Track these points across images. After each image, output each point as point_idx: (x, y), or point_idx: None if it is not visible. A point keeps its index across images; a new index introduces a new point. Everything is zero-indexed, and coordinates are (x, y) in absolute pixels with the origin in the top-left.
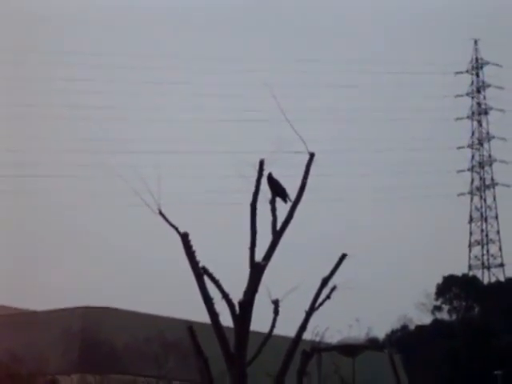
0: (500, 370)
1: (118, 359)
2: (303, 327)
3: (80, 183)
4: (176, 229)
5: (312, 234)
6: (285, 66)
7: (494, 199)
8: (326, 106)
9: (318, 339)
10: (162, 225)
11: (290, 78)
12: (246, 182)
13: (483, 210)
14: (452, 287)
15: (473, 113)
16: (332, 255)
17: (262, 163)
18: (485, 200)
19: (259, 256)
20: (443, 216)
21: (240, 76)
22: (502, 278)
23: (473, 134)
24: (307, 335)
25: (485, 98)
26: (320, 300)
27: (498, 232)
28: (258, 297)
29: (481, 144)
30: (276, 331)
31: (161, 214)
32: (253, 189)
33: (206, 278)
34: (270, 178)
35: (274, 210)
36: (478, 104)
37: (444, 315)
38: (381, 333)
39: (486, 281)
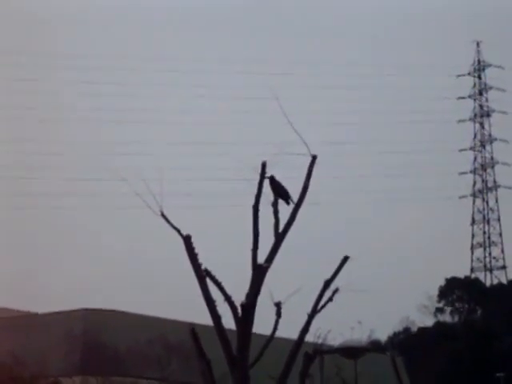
0: (502, 373)
1: (120, 361)
2: (305, 330)
3: (81, 185)
4: (178, 231)
5: (314, 236)
6: (286, 67)
7: (497, 201)
8: (327, 108)
9: (320, 341)
10: (164, 227)
11: (292, 80)
12: (248, 185)
13: (485, 212)
14: (454, 289)
15: (475, 115)
16: (334, 257)
17: (264, 165)
18: (487, 202)
19: (261, 258)
20: (445, 218)
21: (242, 78)
22: (504, 281)
23: (475, 136)
24: (309, 337)
25: (487, 100)
26: (322, 302)
27: (501, 234)
28: (260, 299)
29: (483, 146)
30: (278, 333)
31: (163, 215)
32: (255, 191)
33: (208, 280)
34: (273, 180)
35: (276, 212)
36: (481, 106)
37: (446, 317)
38: (383, 335)
39: (488, 283)
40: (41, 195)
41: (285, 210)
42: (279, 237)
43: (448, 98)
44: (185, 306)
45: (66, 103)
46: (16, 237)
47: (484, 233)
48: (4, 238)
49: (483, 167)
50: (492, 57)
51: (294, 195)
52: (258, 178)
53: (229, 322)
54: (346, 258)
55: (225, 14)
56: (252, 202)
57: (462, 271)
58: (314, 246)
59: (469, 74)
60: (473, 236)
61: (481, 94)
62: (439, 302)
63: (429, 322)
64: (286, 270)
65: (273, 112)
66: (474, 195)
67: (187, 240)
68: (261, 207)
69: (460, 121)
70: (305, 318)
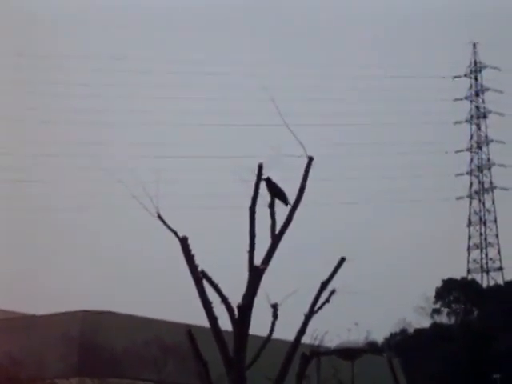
0: (499, 374)
1: (116, 363)
2: (302, 331)
3: (79, 187)
4: (175, 233)
5: (311, 237)
6: (283, 69)
7: (493, 203)
8: (324, 109)
9: (317, 343)
10: (161, 229)
11: (289, 81)
12: (244, 186)
13: (482, 213)
14: (451, 291)
15: (471, 116)
16: (331, 259)
17: (260, 167)
18: (483, 203)
19: (258, 260)
20: (442, 219)
21: (238, 79)
22: (500, 282)
23: (471, 137)
24: (306, 339)
25: (483, 101)
26: (319, 304)
27: (497, 235)
28: (256, 300)
29: (479, 147)
30: (275, 335)
31: (159, 217)
32: (251, 193)
33: (204, 281)
34: (270, 182)
35: (272, 213)
36: (477, 108)
37: (443, 319)
38: (380, 336)
39: (484, 284)
40: (39, 197)
41: (281, 212)
42: (276, 238)
43: (444, 100)
44: (181, 307)
45: (66, 103)
46: (13, 238)
47: (480, 234)
48: (2, 240)
49: (480, 168)
50: (488, 58)
51: (291, 197)
52: (254, 179)
53: (225, 324)
54: (342, 260)
55: (224, 14)
56: (248, 203)
57: (458, 272)
58: (310, 248)
59: (465, 75)
60: (469, 237)
61: (477, 95)
62: (436, 303)
63: (425, 323)
64: (283, 272)
65: (270, 113)
66: (470, 196)
67: (184, 242)
68: (257, 209)
69: (456, 122)
70: (301, 319)
